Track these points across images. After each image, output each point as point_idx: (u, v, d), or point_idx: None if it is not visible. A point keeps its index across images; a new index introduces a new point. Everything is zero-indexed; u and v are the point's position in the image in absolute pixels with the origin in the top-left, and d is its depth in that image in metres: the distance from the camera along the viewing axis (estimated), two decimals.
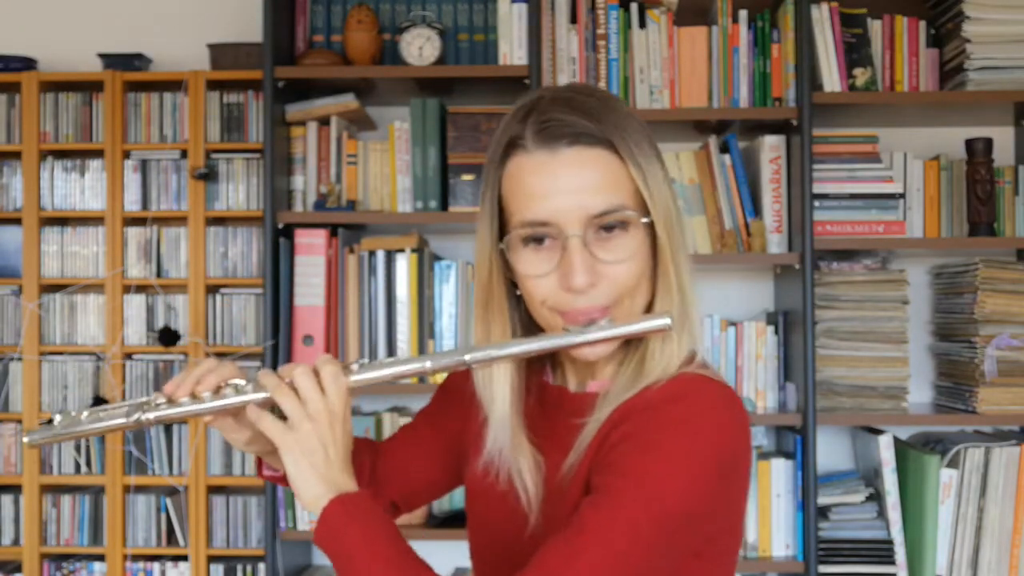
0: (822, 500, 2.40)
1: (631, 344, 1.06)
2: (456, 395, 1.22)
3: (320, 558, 2.71)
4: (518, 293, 1.08)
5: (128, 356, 2.61)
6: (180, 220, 2.63)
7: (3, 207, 2.65)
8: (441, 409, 1.28)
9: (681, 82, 2.48)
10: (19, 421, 2.62)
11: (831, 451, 2.64)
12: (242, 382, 1.05)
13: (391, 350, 2.47)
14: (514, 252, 1.04)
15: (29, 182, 2.62)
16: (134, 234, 2.63)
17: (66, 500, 2.61)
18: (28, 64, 2.68)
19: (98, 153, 2.64)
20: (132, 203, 2.63)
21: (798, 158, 2.39)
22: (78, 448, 2.61)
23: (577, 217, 1.00)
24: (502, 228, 1.07)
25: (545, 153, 1.02)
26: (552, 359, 1.16)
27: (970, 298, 2.40)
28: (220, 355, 2.53)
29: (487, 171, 1.08)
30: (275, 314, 2.43)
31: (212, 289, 2.62)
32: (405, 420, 2.52)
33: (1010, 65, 2.42)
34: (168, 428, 2.60)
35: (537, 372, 1.16)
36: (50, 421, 1.07)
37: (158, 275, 2.62)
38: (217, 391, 1.05)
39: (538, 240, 1.03)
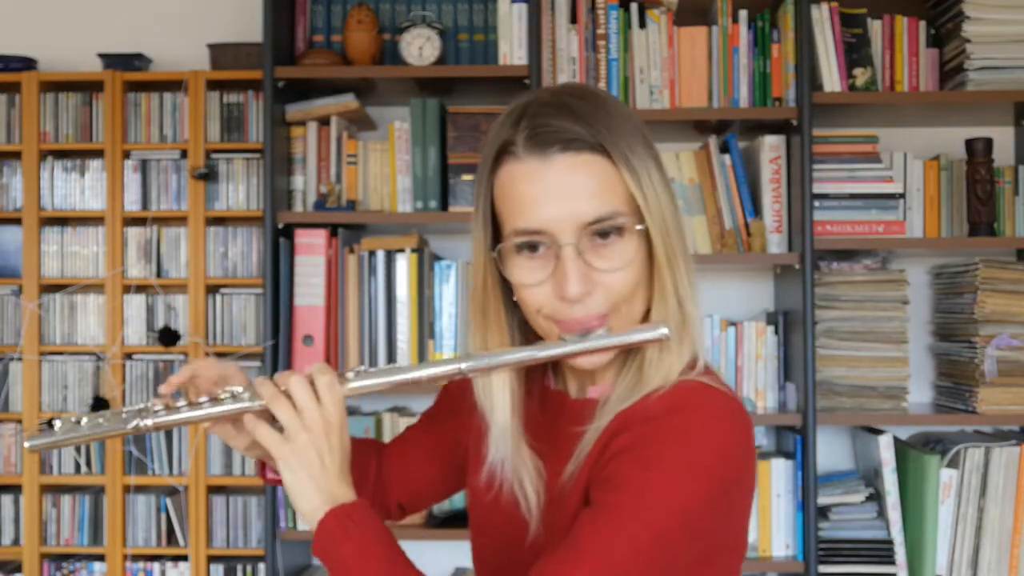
0: (822, 500, 2.40)
1: (630, 351, 1.04)
2: (458, 398, 1.21)
3: None
4: (515, 299, 1.06)
5: (128, 356, 2.61)
6: (180, 220, 2.63)
7: (3, 207, 2.65)
8: (443, 412, 1.28)
9: (681, 82, 2.48)
10: (19, 421, 2.62)
11: (831, 451, 2.64)
12: (239, 389, 1.05)
13: (391, 350, 2.47)
14: (508, 260, 1.02)
15: (29, 182, 2.61)
16: (134, 234, 2.63)
17: (66, 500, 2.61)
18: (28, 64, 2.68)
19: (98, 153, 2.64)
20: (132, 203, 2.62)
21: (798, 158, 2.39)
22: (78, 448, 2.61)
23: (570, 225, 0.98)
24: (496, 234, 1.05)
25: (536, 160, 0.99)
26: (553, 363, 1.14)
27: (970, 298, 2.40)
28: (220, 355, 2.53)
29: (479, 177, 1.06)
30: (275, 314, 2.43)
31: (212, 289, 2.62)
32: (405, 420, 2.53)
33: (1010, 65, 2.41)
34: (168, 429, 2.59)
35: (539, 376, 1.15)
36: (50, 423, 1.07)
37: (158, 275, 2.62)
38: (215, 398, 1.06)
39: (532, 248, 1.00)
